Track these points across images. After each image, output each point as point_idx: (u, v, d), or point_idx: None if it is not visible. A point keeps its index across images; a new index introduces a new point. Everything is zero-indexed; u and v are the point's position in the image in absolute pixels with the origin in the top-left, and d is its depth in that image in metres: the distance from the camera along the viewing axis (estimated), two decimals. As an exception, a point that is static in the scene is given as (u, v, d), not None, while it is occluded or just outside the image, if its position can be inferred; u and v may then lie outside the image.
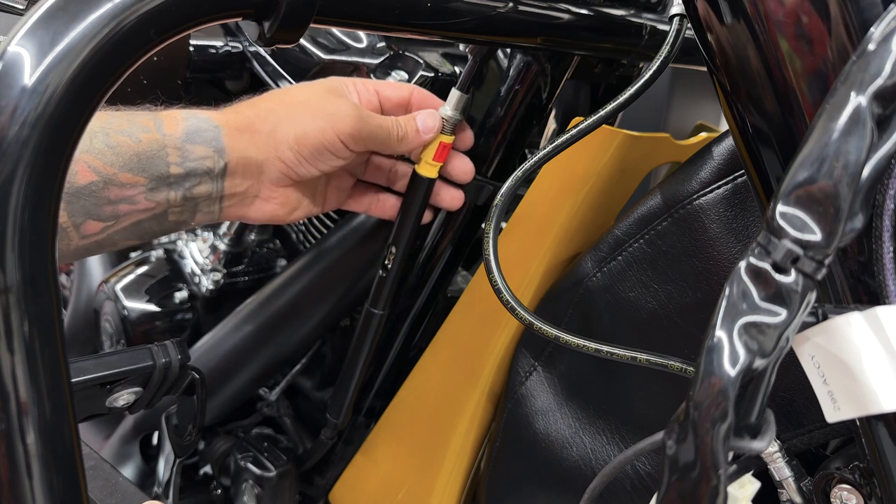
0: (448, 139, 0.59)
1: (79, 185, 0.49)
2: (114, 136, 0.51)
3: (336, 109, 0.55)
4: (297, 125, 0.55)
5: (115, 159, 0.50)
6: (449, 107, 0.58)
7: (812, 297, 0.26)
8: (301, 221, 0.84)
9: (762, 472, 0.43)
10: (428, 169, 0.60)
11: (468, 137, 0.62)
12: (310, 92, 0.57)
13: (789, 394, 0.45)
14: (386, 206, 0.64)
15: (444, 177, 0.63)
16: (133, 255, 1.00)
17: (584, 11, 0.53)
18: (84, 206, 0.50)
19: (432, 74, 0.66)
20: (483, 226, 0.49)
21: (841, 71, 0.27)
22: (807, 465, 0.43)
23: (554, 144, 0.49)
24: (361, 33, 0.72)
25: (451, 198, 0.63)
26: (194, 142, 0.54)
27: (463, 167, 0.62)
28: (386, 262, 0.63)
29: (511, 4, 0.48)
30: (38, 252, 0.28)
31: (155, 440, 0.88)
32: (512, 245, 0.61)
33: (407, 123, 0.57)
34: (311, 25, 0.39)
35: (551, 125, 0.73)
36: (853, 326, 0.28)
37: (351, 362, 0.67)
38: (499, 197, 0.49)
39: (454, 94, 0.58)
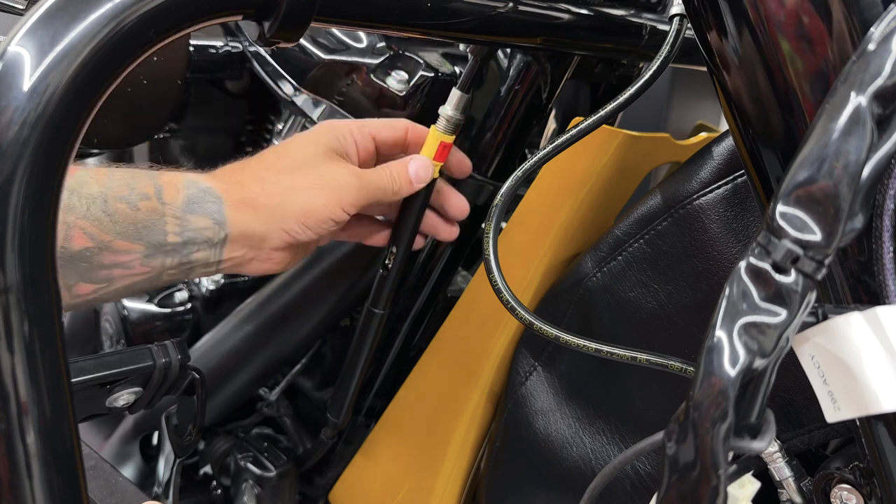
0: (448, 139, 0.59)
1: (73, 249, 0.49)
2: (112, 202, 0.50)
3: (340, 183, 0.55)
4: (302, 201, 0.55)
5: (112, 227, 0.50)
6: (449, 107, 0.58)
7: (812, 297, 0.26)
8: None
9: (762, 472, 0.43)
10: None
11: (465, 165, 0.62)
12: (310, 155, 0.56)
13: (789, 394, 0.45)
14: (378, 237, 0.65)
15: (440, 213, 0.63)
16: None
17: (584, 11, 0.53)
18: (77, 270, 0.50)
19: (432, 74, 0.66)
20: (483, 226, 0.49)
21: (841, 71, 0.27)
22: (807, 465, 0.43)
23: (554, 144, 0.49)
24: (361, 33, 0.72)
25: (448, 232, 0.64)
26: (195, 212, 0.54)
27: (460, 166, 0.62)
28: (386, 261, 0.63)
29: (511, 4, 0.48)
30: (38, 252, 0.28)
31: (155, 440, 0.88)
32: (512, 245, 0.61)
33: (400, 176, 0.58)
34: (311, 25, 0.39)
35: (551, 125, 0.73)
36: (853, 326, 0.28)
37: (351, 362, 0.67)
38: (499, 197, 0.49)
39: (455, 93, 0.58)
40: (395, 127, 0.61)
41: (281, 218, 0.55)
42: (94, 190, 0.50)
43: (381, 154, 0.61)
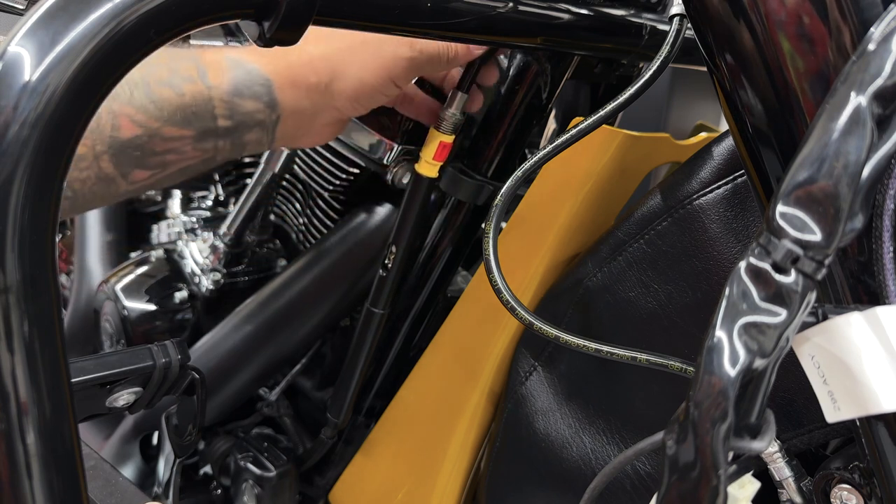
0: (448, 138, 0.59)
1: (123, 138, 0.48)
2: (155, 88, 0.49)
3: (391, 54, 0.53)
4: (352, 77, 0.53)
5: (159, 113, 0.49)
6: (450, 106, 0.58)
7: (812, 297, 0.26)
8: (301, 221, 0.84)
9: (762, 472, 0.43)
10: (428, 168, 0.60)
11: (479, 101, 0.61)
12: None
13: (789, 394, 0.45)
14: (427, 112, 0.62)
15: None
16: (133, 255, 1.00)
17: (584, 11, 0.53)
18: (130, 158, 0.49)
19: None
20: (483, 226, 0.49)
21: (841, 71, 0.27)
22: (807, 465, 0.43)
23: (554, 144, 0.49)
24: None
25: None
26: (243, 96, 0.52)
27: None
28: (386, 261, 0.63)
29: (511, 4, 0.48)
30: (38, 252, 0.28)
31: (155, 440, 0.88)
32: (512, 245, 0.61)
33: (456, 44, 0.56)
34: (311, 26, 0.39)
35: (551, 125, 0.73)
36: (853, 326, 0.28)
37: (351, 361, 0.67)
38: (499, 197, 0.49)
39: (455, 94, 0.58)
40: None
41: (331, 95, 0.54)
42: (135, 75, 0.48)
43: None
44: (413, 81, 0.60)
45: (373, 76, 0.53)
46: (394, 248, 0.63)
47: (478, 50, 0.56)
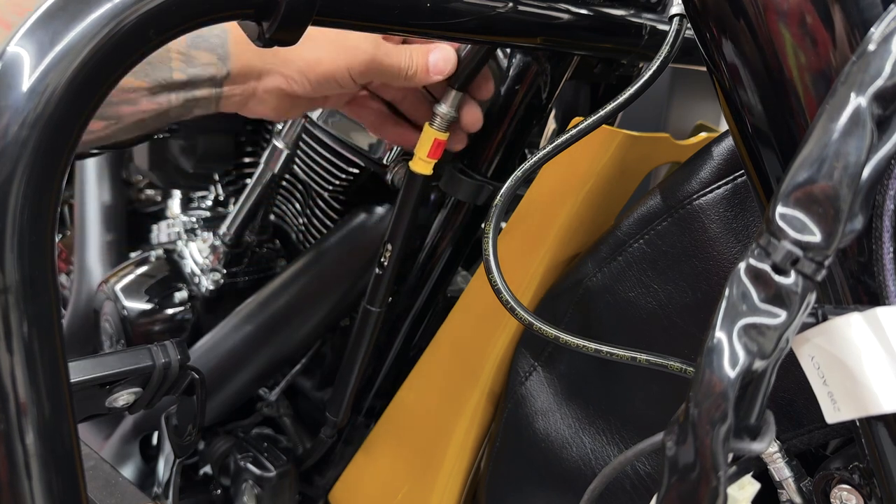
0: (442, 136, 0.59)
1: None
2: None
3: (354, 44, 0.53)
4: (308, 51, 0.53)
5: None
6: (444, 104, 0.58)
7: (812, 298, 0.26)
8: (301, 221, 0.84)
9: (762, 473, 0.43)
10: (422, 165, 0.60)
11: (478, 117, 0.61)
12: None
13: (789, 394, 0.45)
14: (386, 128, 0.62)
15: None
16: (133, 255, 1.00)
17: (584, 11, 0.53)
18: None
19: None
20: (483, 226, 0.49)
21: (841, 71, 0.26)
22: (807, 466, 0.43)
23: (554, 144, 0.49)
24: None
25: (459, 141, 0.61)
26: (198, 47, 0.52)
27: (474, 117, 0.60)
28: (382, 259, 0.63)
29: (511, 4, 0.48)
30: (37, 252, 0.28)
31: (155, 440, 0.88)
32: (512, 245, 0.61)
33: (419, 60, 0.55)
34: (311, 26, 0.39)
35: (551, 125, 0.73)
36: (853, 327, 0.27)
37: (349, 359, 0.67)
38: (499, 197, 0.49)
39: (449, 91, 0.58)
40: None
41: (283, 61, 0.54)
42: None
43: None
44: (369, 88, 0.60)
45: (329, 58, 0.53)
46: (389, 247, 0.63)
47: (436, 75, 0.56)
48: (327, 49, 0.53)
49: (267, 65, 0.55)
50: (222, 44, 0.53)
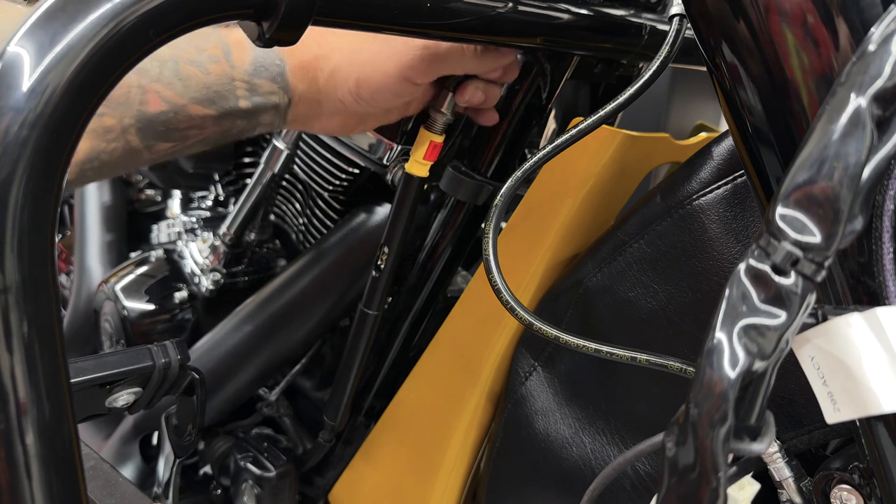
0: (438, 138, 0.59)
1: (150, 112, 0.50)
2: (183, 66, 0.51)
3: (400, 48, 0.52)
4: (358, 68, 0.53)
5: (185, 90, 0.50)
6: (440, 107, 0.58)
7: (812, 298, 0.26)
8: (301, 221, 0.84)
9: (762, 473, 0.43)
10: (418, 168, 0.60)
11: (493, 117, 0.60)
12: None
13: (789, 394, 0.45)
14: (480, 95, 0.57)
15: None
16: (133, 255, 1.00)
17: (584, 11, 0.53)
18: (156, 132, 0.51)
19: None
20: (483, 226, 0.49)
21: (841, 72, 0.26)
22: (807, 466, 0.43)
23: (554, 144, 0.49)
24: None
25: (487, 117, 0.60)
26: (261, 76, 0.53)
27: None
28: (379, 262, 0.63)
29: (511, 4, 0.48)
30: (37, 252, 0.28)
31: (155, 440, 0.88)
32: (512, 245, 0.61)
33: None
34: (311, 26, 0.39)
35: (551, 125, 0.73)
36: (853, 327, 0.27)
37: (346, 364, 0.67)
38: (499, 197, 0.49)
39: (445, 94, 0.58)
40: None
41: (335, 85, 0.54)
42: (165, 52, 0.50)
43: None
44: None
45: (378, 71, 0.53)
46: (386, 249, 0.62)
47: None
48: (374, 61, 0.53)
49: (321, 94, 0.55)
50: (281, 73, 0.54)
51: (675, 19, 0.47)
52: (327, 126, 0.58)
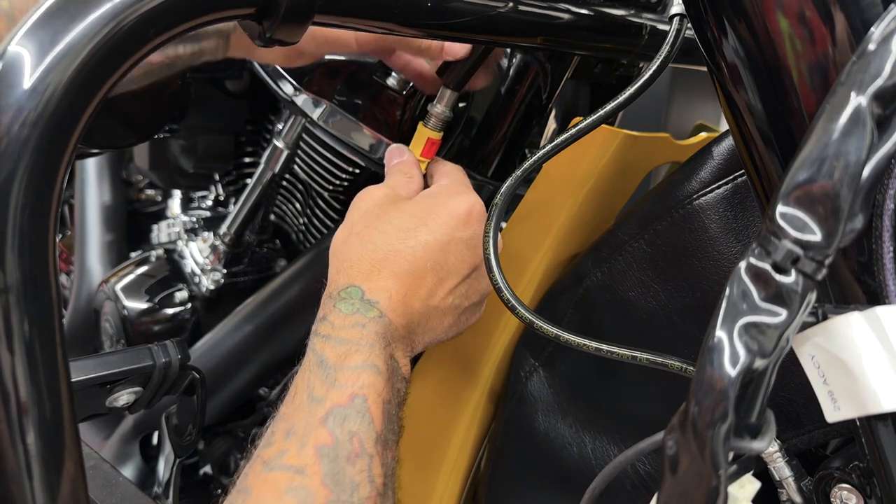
0: (436, 136, 0.59)
1: None
2: None
3: None
4: None
5: None
6: (439, 104, 0.58)
7: (812, 297, 0.26)
8: (301, 221, 0.84)
9: (762, 472, 0.43)
10: None
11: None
12: None
13: (789, 394, 0.45)
14: (415, 68, 0.61)
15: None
16: (133, 255, 1.00)
17: (584, 11, 0.53)
18: None
19: (432, 74, 0.66)
20: (483, 226, 0.49)
21: (841, 71, 0.27)
22: (807, 465, 0.43)
23: (554, 144, 0.49)
24: (362, 33, 0.72)
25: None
26: None
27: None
28: None
29: (511, 4, 0.48)
30: (38, 252, 0.28)
31: (155, 440, 0.88)
32: (512, 245, 0.61)
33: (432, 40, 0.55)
34: (311, 26, 0.39)
35: (551, 125, 0.73)
36: (853, 326, 0.28)
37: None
38: (499, 197, 0.49)
39: (444, 91, 0.58)
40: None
41: None
42: None
43: None
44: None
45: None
46: None
47: (448, 56, 0.55)
48: None
49: None
50: None
51: (676, 19, 0.47)
52: (268, 56, 0.60)
